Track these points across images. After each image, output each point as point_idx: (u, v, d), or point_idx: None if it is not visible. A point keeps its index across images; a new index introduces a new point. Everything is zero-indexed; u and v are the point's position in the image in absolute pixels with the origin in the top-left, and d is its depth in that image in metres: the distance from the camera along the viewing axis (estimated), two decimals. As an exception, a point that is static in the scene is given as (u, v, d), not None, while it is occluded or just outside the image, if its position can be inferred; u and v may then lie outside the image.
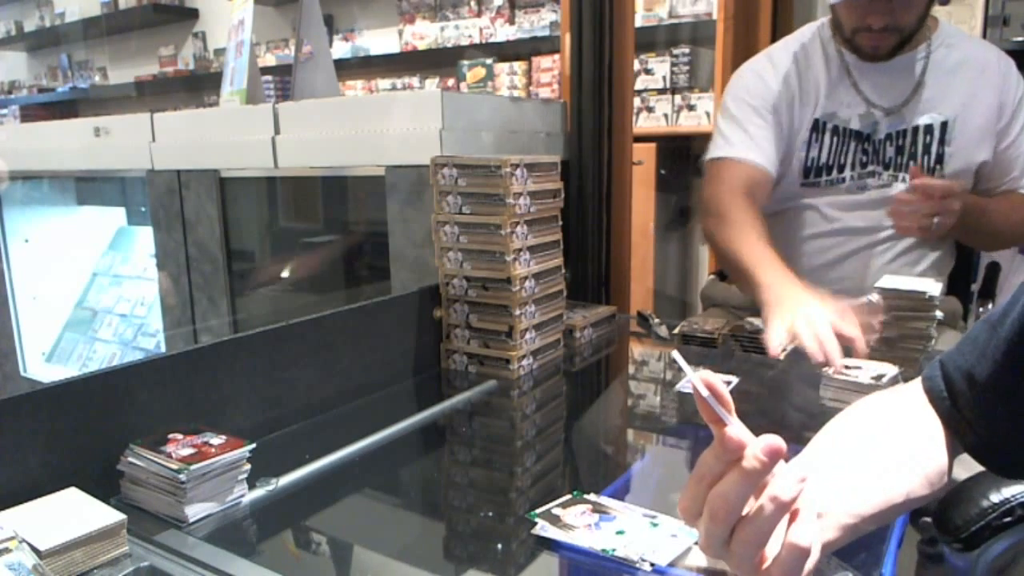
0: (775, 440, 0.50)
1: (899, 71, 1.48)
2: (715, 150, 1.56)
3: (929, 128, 1.47)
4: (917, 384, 0.76)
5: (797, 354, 1.38)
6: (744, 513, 0.52)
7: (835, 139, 1.52)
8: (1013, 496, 0.63)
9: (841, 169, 1.52)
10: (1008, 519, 0.62)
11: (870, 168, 1.51)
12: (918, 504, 0.67)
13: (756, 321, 1.49)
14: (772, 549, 0.52)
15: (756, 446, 0.50)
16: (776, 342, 1.18)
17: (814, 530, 0.52)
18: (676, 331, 1.48)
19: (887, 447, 0.69)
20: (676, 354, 0.57)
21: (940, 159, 1.48)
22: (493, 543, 0.77)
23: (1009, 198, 1.51)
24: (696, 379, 0.52)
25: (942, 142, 1.47)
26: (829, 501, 0.60)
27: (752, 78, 1.57)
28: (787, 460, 0.58)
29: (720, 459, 0.52)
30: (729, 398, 0.56)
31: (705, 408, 0.52)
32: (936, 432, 0.71)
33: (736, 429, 0.51)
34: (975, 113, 1.47)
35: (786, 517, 0.54)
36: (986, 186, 1.53)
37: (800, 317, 1.18)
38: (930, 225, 1.35)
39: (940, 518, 0.67)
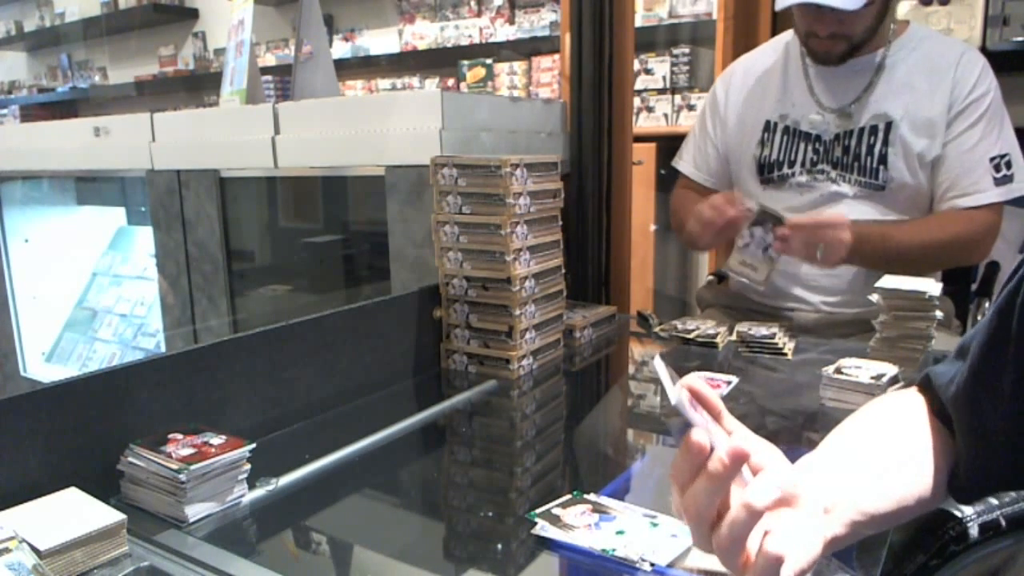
0: (739, 444, 0.51)
1: (852, 74, 1.50)
2: (676, 157, 1.77)
3: (874, 129, 1.48)
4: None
5: (798, 354, 1.38)
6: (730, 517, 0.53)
7: (785, 138, 1.56)
8: (986, 510, 0.63)
9: (792, 165, 1.55)
10: (987, 534, 0.62)
11: (819, 167, 1.53)
12: (929, 508, 0.67)
13: (752, 326, 1.49)
14: (755, 547, 0.53)
15: (721, 449, 0.51)
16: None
17: (791, 540, 0.53)
18: (656, 330, 1.49)
19: (900, 449, 0.69)
20: (658, 363, 0.57)
21: (883, 159, 1.47)
22: (493, 543, 0.77)
23: (930, 216, 1.47)
24: (674, 394, 0.53)
25: (885, 143, 1.47)
26: (838, 497, 0.61)
27: (712, 90, 1.71)
28: (752, 462, 0.58)
29: (687, 462, 0.53)
30: (716, 400, 0.57)
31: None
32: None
33: (701, 433, 0.52)
34: (924, 111, 1.44)
35: (783, 514, 0.54)
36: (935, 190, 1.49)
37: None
38: (815, 253, 1.37)
39: (914, 534, 0.67)
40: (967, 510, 0.70)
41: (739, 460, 0.51)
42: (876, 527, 0.63)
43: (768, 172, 1.58)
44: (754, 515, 0.52)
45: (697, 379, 0.56)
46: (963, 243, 1.44)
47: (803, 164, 1.54)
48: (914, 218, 1.49)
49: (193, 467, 0.77)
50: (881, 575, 0.65)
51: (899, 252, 1.42)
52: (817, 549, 0.55)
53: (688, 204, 1.63)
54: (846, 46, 1.45)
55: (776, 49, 1.63)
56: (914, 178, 1.47)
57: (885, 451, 0.68)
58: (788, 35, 1.62)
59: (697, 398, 0.56)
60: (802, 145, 1.54)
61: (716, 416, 0.58)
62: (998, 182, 1.42)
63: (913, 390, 0.77)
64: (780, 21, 2.46)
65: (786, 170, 1.56)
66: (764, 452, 0.58)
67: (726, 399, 1.13)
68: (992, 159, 1.43)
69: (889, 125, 1.46)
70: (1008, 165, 1.43)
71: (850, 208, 1.49)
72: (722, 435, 0.55)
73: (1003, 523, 0.59)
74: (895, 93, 1.47)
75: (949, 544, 0.61)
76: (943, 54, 1.47)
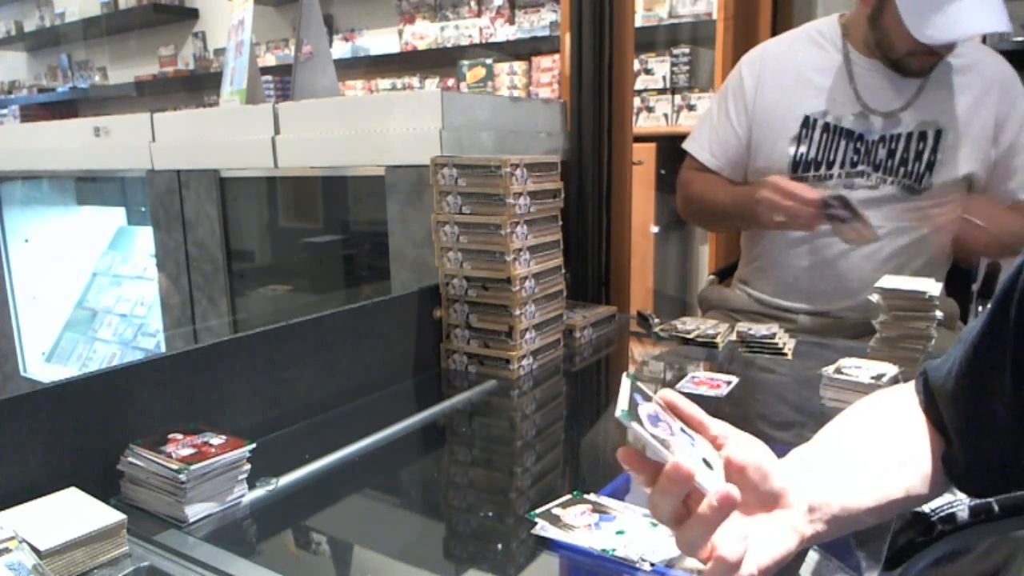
0: (727, 490, 0.53)
1: (901, 78, 1.48)
2: (689, 139, 1.71)
3: (923, 135, 1.47)
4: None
5: (797, 354, 1.38)
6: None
7: (825, 136, 1.52)
8: (932, 511, 0.63)
9: (830, 166, 1.52)
10: (930, 535, 0.62)
11: (859, 168, 1.51)
12: (920, 503, 0.67)
13: (752, 326, 1.49)
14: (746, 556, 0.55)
15: (712, 494, 0.53)
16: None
17: (743, 546, 0.54)
18: (656, 330, 1.49)
19: (888, 445, 0.69)
20: (624, 381, 0.58)
21: (931, 167, 1.47)
22: (493, 543, 0.77)
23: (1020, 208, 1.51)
24: (618, 409, 0.55)
25: (935, 150, 1.47)
26: (823, 494, 0.61)
27: (736, 73, 1.63)
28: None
29: (663, 496, 0.55)
30: (694, 410, 0.58)
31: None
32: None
33: (663, 455, 0.54)
34: (972, 125, 1.46)
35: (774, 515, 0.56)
36: (987, 194, 1.53)
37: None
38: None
39: (860, 537, 0.67)
40: (959, 493, 0.71)
41: (727, 505, 0.53)
42: (862, 524, 0.64)
43: (804, 171, 1.53)
44: (728, 569, 0.53)
45: (671, 392, 0.58)
46: None
47: (842, 165, 1.51)
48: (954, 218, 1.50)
49: (193, 467, 0.77)
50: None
51: (1003, 242, 1.46)
52: (789, 546, 0.56)
53: (715, 187, 1.62)
54: (941, 58, 1.44)
55: (813, 42, 1.56)
56: (958, 187, 1.48)
57: (875, 449, 0.68)
58: (823, 27, 1.56)
59: (673, 410, 0.58)
60: (843, 144, 1.51)
61: (697, 427, 0.59)
62: None
63: (907, 387, 0.77)
64: (780, 21, 2.46)
65: (824, 170, 1.52)
66: (753, 450, 0.58)
67: (726, 399, 1.14)
68: None
69: (939, 133, 1.46)
70: None
71: (886, 212, 1.48)
72: (687, 447, 0.56)
73: (996, 507, 0.60)
74: (945, 100, 1.47)
75: (937, 524, 0.61)
76: (987, 65, 1.49)
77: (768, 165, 1.57)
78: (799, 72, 1.55)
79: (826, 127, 1.52)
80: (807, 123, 1.53)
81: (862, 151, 1.50)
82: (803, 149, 1.53)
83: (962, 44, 1.49)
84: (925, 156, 1.47)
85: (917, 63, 1.44)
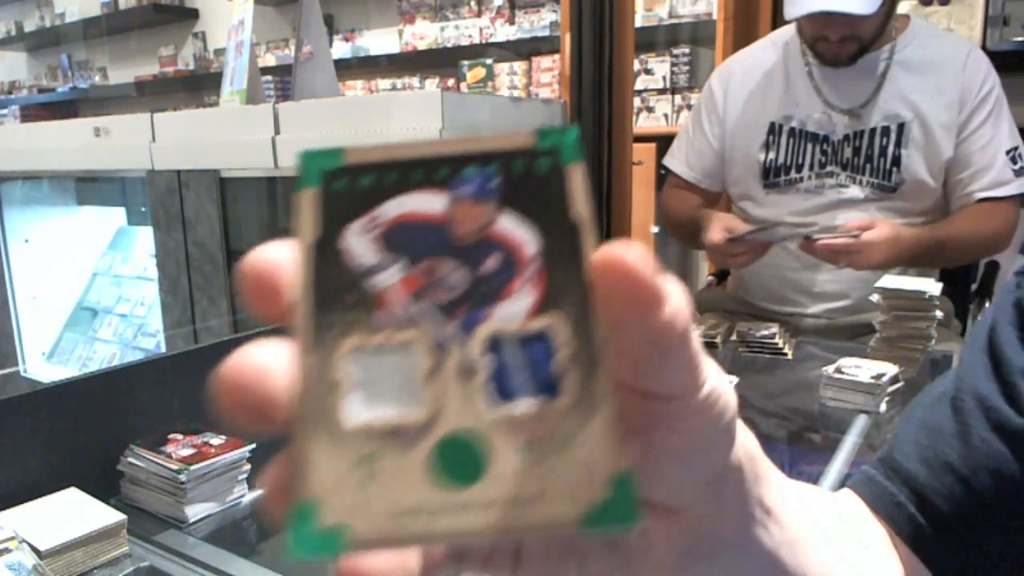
0: None
1: (860, 73, 1.48)
2: (668, 155, 1.74)
3: (886, 130, 1.47)
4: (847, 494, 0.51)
5: (797, 354, 1.38)
6: None
7: (792, 140, 1.53)
8: None
9: (799, 169, 1.53)
10: None
11: (828, 169, 1.51)
12: None
13: (752, 326, 1.49)
14: None
15: None
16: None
17: None
18: None
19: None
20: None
21: (897, 161, 1.47)
22: (493, 543, 0.77)
23: (967, 214, 1.48)
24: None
25: (899, 144, 1.46)
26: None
27: (707, 87, 1.67)
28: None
29: None
30: None
31: None
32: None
33: None
34: (935, 112, 1.45)
35: None
36: (946, 189, 1.51)
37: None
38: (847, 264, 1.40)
39: None
40: None
41: None
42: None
43: (774, 176, 1.55)
44: None
45: None
46: (993, 235, 1.47)
47: (811, 167, 1.52)
48: (929, 218, 1.50)
49: (193, 467, 0.77)
50: None
51: (956, 252, 1.47)
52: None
53: (684, 206, 1.64)
54: (857, 47, 1.44)
55: (775, 47, 1.60)
56: (928, 179, 1.47)
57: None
58: (786, 33, 1.59)
59: None
60: (809, 146, 1.52)
61: None
62: (1017, 173, 1.45)
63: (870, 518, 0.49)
64: (780, 21, 2.46)
65: (793, 174, 1.53)
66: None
67: (726, 399, 1.13)
68: (1007, 152, 1.45)
69: (902, 126, 1.46)
70: (1021, 157, 1.46)
71: (860, 213, 1.48)
72: None
73: None
74: (905, 93, 1.46)
75: None
76: (949, 53, 1.47)
77: (741, 173, 1.60)
78: (763, 79, 1.58)
79: (792, 132, 1.53)
80: (773, 129, 1.55)
81: (829, 152, 1.51)
82: (771, 155, 1.55)
83: (923, 34, 1.49)
84: (890, 151, 1.47)
85: (826, 51, 1.45)
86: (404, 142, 0.21)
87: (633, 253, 0.20)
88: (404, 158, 0.21)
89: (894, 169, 1.47)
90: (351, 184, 0.21)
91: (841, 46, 1.43)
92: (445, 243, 0.21)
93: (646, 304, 0.20)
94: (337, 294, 0.20)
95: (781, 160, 1.54)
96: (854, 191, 1.50)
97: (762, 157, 1.55)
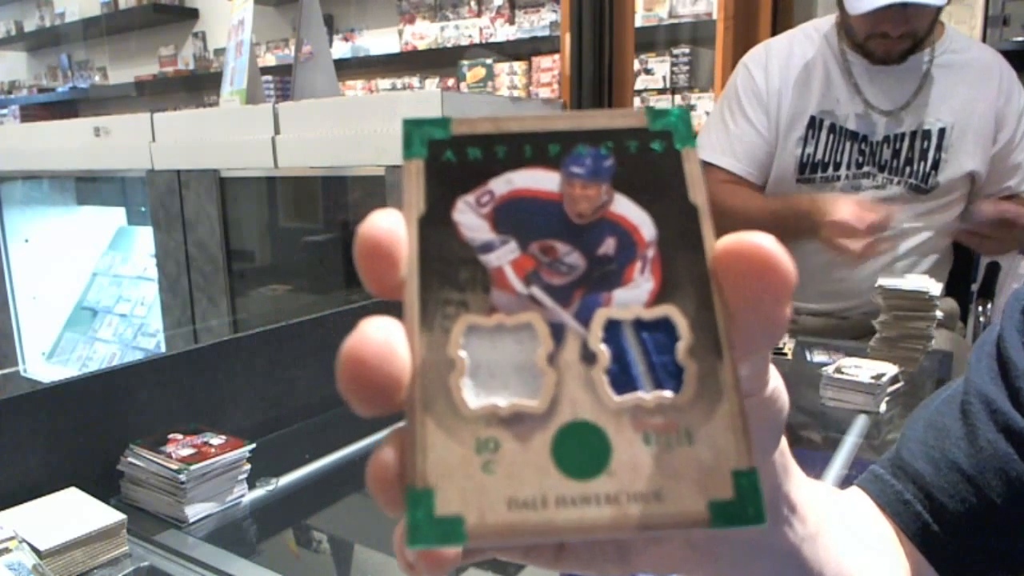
0: None
1: (901, 74, 1.47)
2: (707, 151, 1.58)
3: (927, 133, 1.47)
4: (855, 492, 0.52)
5: (797, 354, 1.38)
6: None
7: (831, 137, 1.51)
8: None
9: (837, 167, 1.51)
10: None
11: (865, 169, 1.50)
12: None
13: None
14: None
15: None
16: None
17: None
18: None
19: None
20: None
21: (936, 165, 1.47)
22: (493, 543, 0.77)
23: None
24: None
25: (939, 148, 1.47)
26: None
27: (745, 73, 1.57)
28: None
29: None
30: None
31: None
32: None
33: None
34: (972, 121, 1.47)
35: None
36: (985, 192, 1.53)
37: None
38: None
39: None
40: None
41: None
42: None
43: (811, 172, 1.51)
44: None
45: None
46: None
47: (848, 166, 1.50)
48: (947, 217, 1.51)
49: (193, 467, 0.77)
50: None
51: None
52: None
53: (756, 200, 1.53)
54: (910, 44, 1.42)
55: (811, 40, 1.54)
56: (964, 183, 1.49)
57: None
58: (821, 26, 1.55)
59: None
60: (848, 145, 1.50)
61: None
62: None
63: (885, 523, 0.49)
64: (780, 21, 2.46)
65: (831, 172, 1.51)
66: None
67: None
68: None
69: (942, 132, 1.47)
70: None
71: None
72: None
73: None
74: (946, 97, 1.47)
75: None
76: (986, 62, 1.49)
77: (777, 165, 1.54)
78: (803, 71, 1.53)
79: (832, 128, 1.50)
80: (813, 123, 1.51)
81: (867, 152, 1.50)
82: (809, 150, 1.51)
83: (957, 40, 1.49)
84: (930, 155, 1.47)
85: (880, 48, 1.43)
86: (512, 115, 0.21)
87: (768, 241, 0.20)
88: (513, 131, 0.20)
89: (932, 172, 1.48)
90: (459, 156, 0.20)
91: (896, 43, 1.41)
92: (559, 223, 0.20)
93: (779, 295, 0.20)
94: (450, 271, 0.20)
95: (819, 156, 1.51)
96: (889, 191, 1.49)
97: (799, 151, 1.51)
